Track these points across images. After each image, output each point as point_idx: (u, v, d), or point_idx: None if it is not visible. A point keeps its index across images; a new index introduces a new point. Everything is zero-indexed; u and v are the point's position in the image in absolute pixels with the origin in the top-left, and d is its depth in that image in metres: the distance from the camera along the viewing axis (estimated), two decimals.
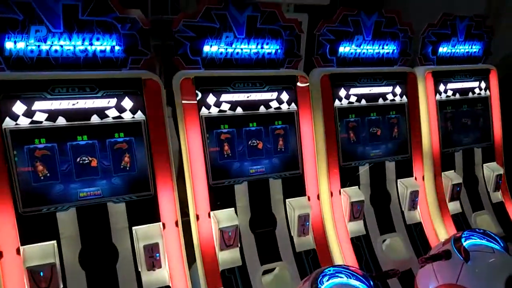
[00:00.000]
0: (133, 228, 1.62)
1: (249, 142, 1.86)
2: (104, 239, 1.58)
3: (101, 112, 1.57)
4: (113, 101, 1.58)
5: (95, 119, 1.56)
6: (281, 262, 1.92)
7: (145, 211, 1.64)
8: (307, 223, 1.95)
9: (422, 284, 1.88)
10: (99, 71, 1.59)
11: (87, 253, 1.55)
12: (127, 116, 1.60)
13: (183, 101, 1.72)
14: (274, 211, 1.94)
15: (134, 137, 1.61)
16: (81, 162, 1.53)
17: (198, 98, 1.75)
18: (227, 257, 1.81)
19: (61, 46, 1.50)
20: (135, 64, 1.63)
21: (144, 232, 1.61)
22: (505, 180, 2.72)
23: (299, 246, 1.96)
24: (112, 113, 1.58)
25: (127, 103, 1.60)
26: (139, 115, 1.62)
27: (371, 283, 1.38)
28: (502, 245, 1.70)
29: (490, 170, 2.60)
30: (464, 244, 1.67)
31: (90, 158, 1.54)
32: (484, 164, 2.63)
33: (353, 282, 1.37)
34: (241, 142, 1.84)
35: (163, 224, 1.66)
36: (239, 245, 1.82)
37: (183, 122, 1.73)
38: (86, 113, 1.54)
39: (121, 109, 1.60)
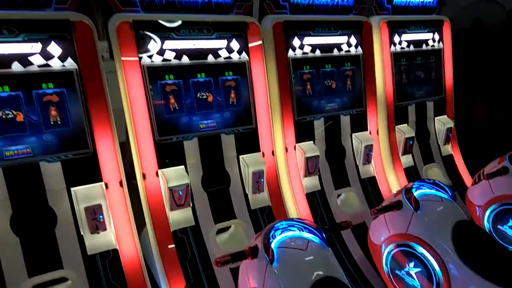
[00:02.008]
0: (72, 189, 1.55)
1: (198, 95, 1.81)
2: (38, 202, 1.50)
3: (23, 59, 1.43)
4: (37, 46, 1.45)
5: (15, 66, 1.42)
6: (236, 220, 1.95)
7: (84, 170, 1.56)
8: (262, 180, 1.97)
9: (374, 235, 2.00)
10: (21, 10, 1.44)
11: (20, 217, 1.47)
12: (55, 64, 1.48)
13: (121, 48, 1.63)
14: (227, 168, 1.94)
15: (66, 88, 1.50)
16: (3, 117, 1.42)
17: (138, 45, 1.66)
18: (179, 217, 1.81)
19: None
20: (62, 4, 1.49)
21: (84, 193, 1.55)
22: (455, 133, 2.92)
23: (254, 203, 2.00)
24: (38, 60, 1.46)
25: (54, 48, 1.48)
26: (70, 63, 1.51)
27: (324, 235, 1.44)
28: (450, 194, 1.83)
29: (441, 124, 2.77)
30: (415, 194, 1.78)
31: (15, 113, 1.43)
32: (435, 118, 2.79)
33: (306, 234, 1.43)
34: (189, 94, 1.79)
35: (106, 184, 1.60)
36: (191, 205, 1.82)
37: (122, 72, 1.64)
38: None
39: (47, 56, 1.47)
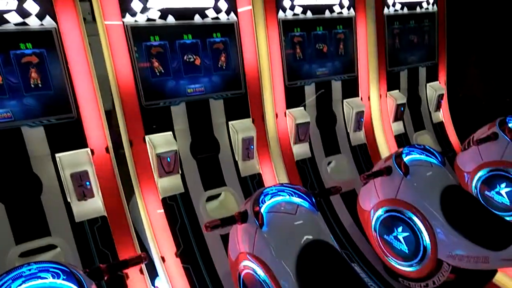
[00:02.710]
0: (57, 155, 1.53)
1: (185, 58, 1.77)
2: (22, 169, 1.48)
3: None
4: (13, 3, 1.38)
5: None
6: (226, 188, 1.96)
7: (69, 136, 1.54)
8: (252, 147, 1.97)
9: (363, 201, 2.04)
10: None
11: (4, 184, 1.45)
12: (33, 22, 1.42)
13: (104, 8, 1.56)
14: (216, 135, 1.93)
15: (45, 48, 1.45)
16: None
17: (120, 4, 1.59)
18: (168, 184, 1.81)
19: None
20: None
21: (70, 160, 1.53)
22: (446, 101, 2.94)
23: (244, 170, 2.00)
24: (14, 18, 1.39)
25: (31, 6, 1.41)
26: (49, 22, 1.45)
27: (313, 200, 1.46)
28: (440, 159, 1.86)
29: (433, 90, 2.77)
30: (405, 159, 1.80)
31: None
32: (427, 84, 2.80)
33: (295, 199, 1.45)
34: (175, 57, 1.74)
35: (92, 151, 1.58)
36: (179, 172, 1.82)
37: (105, 34, 1.59)
38: None
39: (24, 14, 1.41)
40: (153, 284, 1.69)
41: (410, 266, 1.80)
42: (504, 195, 2.11)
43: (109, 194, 1.65)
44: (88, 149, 1.58)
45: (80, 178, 1.52)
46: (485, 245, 1.52)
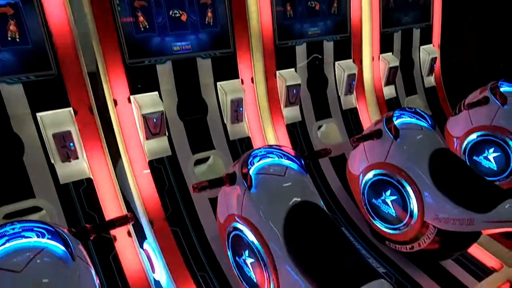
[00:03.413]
0: (38, 114, 1.49)
1: (170, 13, 1.70)
2: (2, 128, 1.44)
3: None
4: None
5: None
6: (214, 151, 1.95)
7: (49, 94, 1.49)
8: (241, 109, 1.95)
9: (353, 165, 2.05)
10: None
11: None
12: None
13: None
14: (204, 96, 1.90)
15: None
16: None
17: None
18: (155, 147, 1.79)
19: None
20: None
21: (51, 119, 1.49)
22: (439, 65, 2.93)
23: (232, 133, 1.99)
24: None
25: None
26: None
27: (302, 162, 1.46)
28: (430, 123, 1.87)
29: (426, 53, 2.75)
30: (395, 123, 1.81)
31: None
32: (421, 47, 2.77)
33: (284, 161, 1.45)
34: (160, 12, 1.68)
35: (75, 110, 1.55)
36: (166, 134, 1.80)
37: None
38: None
39: None
40: (141, 247, 1.71)
41: (397, 229, 1.85)
42: (492, 160, 2.15)
43: (94, 156, 1.63)
44: (70, 109, 1.54)
45: (63, 139, 1.49)
46: (471, 208, 1.55)
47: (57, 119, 1.50)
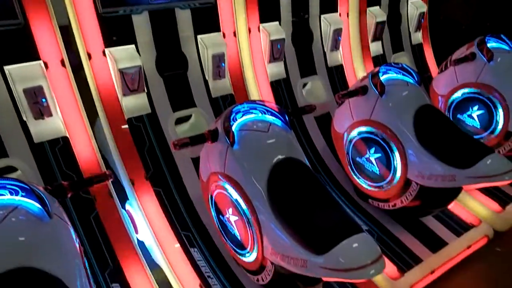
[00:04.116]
0: (5, 67, 1.41)
1: None
2: None
3: None
4: None
5: None
6: (196, 109, 1.91)
7: (17, 46, 1.41)
8: (223, 64, 1.89)
9: (338, 124, 2.05)
10: None
11: None
12: None
13: None
14: (184, 50, 1.83)
15: None
16: None
17: None
18: (133, 104, 1.74)
19: None
20: None
21: (21, 73, 1.42)
22: (427, 22, 2.88)
23: (214, 90, 1.94)
24: None
25: None
26: None
27: (286, 118, 1.45)
28: (416, 78, 1.86)
29: (414, 7, 2.70)
30: (381, 78, 1.79)
31: None
32: (409, 0, 2.71)
33: (268, 117, 1.43)
34: None
35: (45, 64, 1.47)
36: (145, 90, 1.74)
37: None
38: None
39: None
40: (123, 208, 1.70)
41: (380, 187, 1.89)
42: (476, 118, 2.18)
43: (69, 113, 1.57)
44: (40, 62, 1.46)
45: (34, 94, 1.43)
46: (453, 164, 1.58)
47: (27, 73, 1.43)
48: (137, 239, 1.68)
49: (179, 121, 2.07)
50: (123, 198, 1.72)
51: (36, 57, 1.45)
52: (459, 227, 1.97)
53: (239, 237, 1.46)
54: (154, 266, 1.63)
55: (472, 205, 2.10)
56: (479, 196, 2.14)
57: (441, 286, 1.78)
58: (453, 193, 1.74)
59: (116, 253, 1.55)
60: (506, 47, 2.13)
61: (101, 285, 1.47)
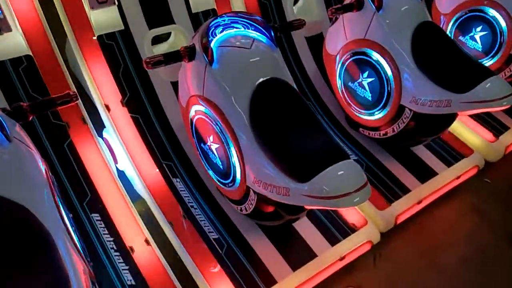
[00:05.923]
0: None
1: None
2: None
3: None
4: None
5: None
6: (174, 26, 1.78)
7: None
8: None
9: (330, 44, 1.94)
10: None
11: None
12: None
13: None
14: None
15: None
16: None
17: None
18: (103, 18, 1.62)
19: None
20: None
21: None
22: None
23: (195, 4, 1.80)
24: None
25: None
26: None
27: (272, 34, 1.34)
28: None
29: None
30: None
31: None
32: None
33: (252, 33, 1.32)
34: None
35: None
36: (116, 3, 1.61)
37: None
38: None
39: None
40: (100, 136, 1.64)
41: (372, 114, 1.84)
42: (478, 40, 2.09)
43: (31, 29, 1.46)
44: None
45: None
46: (450, 88, 1.52)
47: None
48: (117, 169, 1.64)
49: (158, 40, 1.95)
50: (100, 126, 1.65)
51: None
52: (450, 157, 1.96)
53: (221, 166, 1.42)
54: (135, 197, 1.60)
55: (465, 134, 2.08)
56: (472, 125, 2.11)
57: (427, 216, 1.80)
58: (448, 120, 1.70)
59: (93, 182, 1.51)
60: None
61: (80, 215, 1.45)
